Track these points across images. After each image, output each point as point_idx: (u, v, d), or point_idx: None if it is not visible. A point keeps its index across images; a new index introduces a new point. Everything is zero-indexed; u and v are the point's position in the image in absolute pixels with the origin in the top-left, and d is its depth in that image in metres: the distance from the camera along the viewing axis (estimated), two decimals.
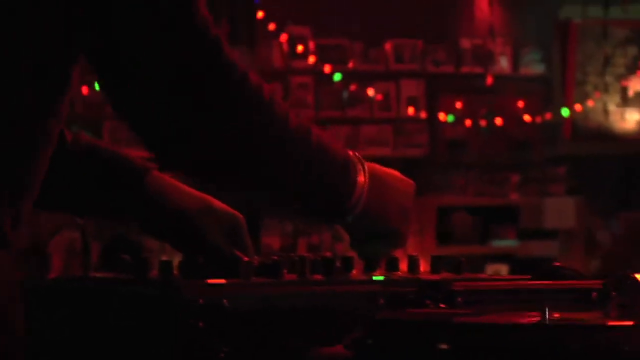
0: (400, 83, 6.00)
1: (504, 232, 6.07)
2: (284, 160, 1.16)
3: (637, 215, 5.80)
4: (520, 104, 6.11)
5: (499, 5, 6.17)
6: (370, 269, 1.28)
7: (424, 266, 1.31)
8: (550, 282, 1.25)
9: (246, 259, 1.20)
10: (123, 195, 1.30)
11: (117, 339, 1.15)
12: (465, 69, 6.10)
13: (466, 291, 1.14)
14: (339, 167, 1.19)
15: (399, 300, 1.14)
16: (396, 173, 1.28)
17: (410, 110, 5.98)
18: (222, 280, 1.12)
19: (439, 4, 5.97)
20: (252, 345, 1.10)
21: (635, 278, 1.13)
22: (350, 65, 5.87)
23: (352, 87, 5.85)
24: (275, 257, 1.19)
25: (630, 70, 6.24)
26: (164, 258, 1.21)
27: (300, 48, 5.75)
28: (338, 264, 1.23)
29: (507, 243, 6.06)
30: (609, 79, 6.23)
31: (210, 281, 1.12)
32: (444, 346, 0.95)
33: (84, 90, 5.15)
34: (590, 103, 6.20)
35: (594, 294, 1.18)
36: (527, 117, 6.12)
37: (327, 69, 5.78)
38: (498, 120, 6.07)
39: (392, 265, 1.28)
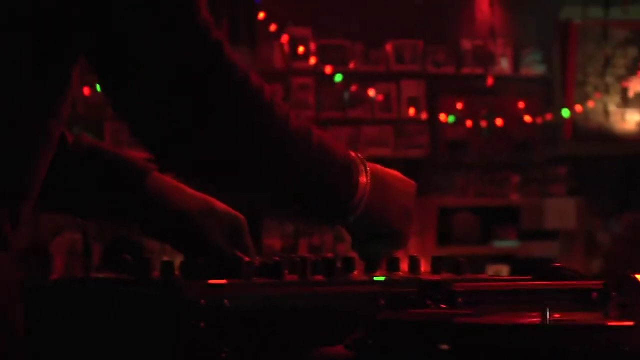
0: (401, 84, 6.00)
1: (504, 232, 6.07)
2: (285, 162, 1.16)
3: (638, 216, 5.80)
4: (521, 104, 6.11)
5: (500, 6, 6.17)
6: (371, 269, 1.28)
7: (424, 266, 1.31)
8: (551, 282, 1.25)
9: (247, 259, 1.20)
10: (124, 197, 1.30)
11: (119, 340, 1.16)
12: (465, 70, 6.10)
13: (467, 291, 1.14)
14: (340, 167, 1.19)
15: (400, 301, 1.15)
16: (398, 173, 1.28)
17: (411, 111, 5.99)
18: (224, 281, 1.12)
19: (439, 5, 5.97)
20: (254, 345, 1.10)
21: (635, 278, 1.13)
22: (351, 66, 5.87)
23: (353, 88, 5.85)
24: (277, 258, 1.19)
25: (631, 71, 6.24)
26: (165, 259, 1.21)
27: (301, 49, 5.75)
28: (339, 264, 1.23)
29: (507, 243, 6.06)
30: (609, 79, 6.23)
31: (211, 282, 1.12)
32: (444, 346, 0.95)
33: (86, 91, 5.15)
34: (590, 104, 6.20)
35: (594, 294, 1.18)
36: (527, 118, 6.12)
37: (328, 69, 5.78)
38: (498, 121, 6.07)
39: (393, 265, 1.29)
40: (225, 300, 1.08)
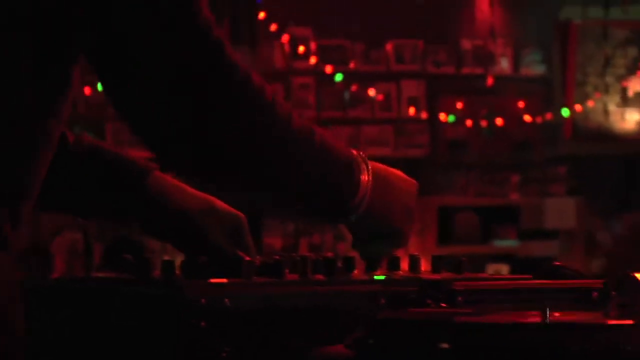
0: (401, 83, 6.00)
1: (504, 232, 6.07)
2: (287, 161, 1.15)
3: (639, 216, 5.80)
4: (521, 104, 6.12)
5: (500, 6, 6.17)
6: (371, 268, 1.28)
7: (425, 266, 1.31)
8: (551, 281, 1.25)
9: (248, 258, 1.20)
10: (125, 196, 1.30)
11: (120, 339, 1.16)
12: (465, 70, 6.10)
13: (467, 291, 1.14)
14: (342, 166, 1.19)
15: (400, 300, 1.15)
16: (399, 172, 1.27)
17: (411, 111, 5.99)
18: (224, 280, 1.13)
19: (439, 5, 5.98)
20: (254, 344, 1.10)
21: (636, 277, 1.13)
22: (352, 65, 5.87)
23: (353, 88, 5.85)
24: (277, 257, 1.19)
25: (630, 71, 6.24)
26: (166, 258, 1.21)
27: (301, 49, 5.75)
28: (339, 264, 1.23)
29: (507, 243, 6.06)
30: (609, 79, 6.23)
31: (212, 281, 1.12)
32: (445, 345, 0.95)
33: (87, 90, 5.15)
34: (590, 103, 6.20)
35: (595, 293, 1.19)
36: (527, 118, 6.12)
37: (328, 69, 5.78)
38: (499, 121, 6.07)
39: (393, 264, 1.29)
40: (226, 300, 1.08)
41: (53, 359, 1.23)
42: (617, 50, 6.22)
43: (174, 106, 1.10)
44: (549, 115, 6.13)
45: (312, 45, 5.81)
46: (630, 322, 0.98)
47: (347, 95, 5.89)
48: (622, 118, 6.28)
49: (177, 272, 1.21)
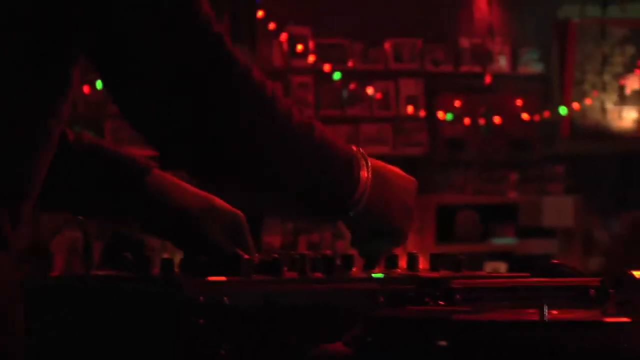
0: (400, 82, 6.00)
1: (502, 230, 6.08)
2: (287, 157, 1.15)
3: (638, 215, 5.80)
4: (519, 102, 6.12)
5: (498, 5, 6.17)
6: (370, 266, 1.28)
7: (423, 264, 1.31)
8: (549, 279, 1.26)
9: (247, 256, 1.20)
10: (124, 194, 1.30)
11: (119, 337, 1.16)
12: (464, 68, 6.10)
13: (465, 289, 1.15)
14: (342, 162, 1.19)
15: (399, 298, 1.15)
16: (399, 170, 1.27)
17: (410, 109, 5.99)
18: (223, 278, 1.13)
19: (438, 3, 5.98)
20: (253, 342, 1.11)
21: (633, 275, 1.14)
22: (350, 64, 5.87)
23: (352, 86, 5.85)
24: (276, 255, 1.20)
25: (628, 69, 6.24)
26: (165, 256, 1.21)
27: (300, 47, 5.75)
28: (338, 261, 1.23)
29: (505, 241, 6.06)
30: (607, 77, 6.24)
31: (211, 279, 1.12)
32: (443, 343, 0.96)
33: (86, 89, 5.15)
34: (588, 101, 6.20)
35: (592, 291, 1.19)
36: (525, 116, 6.12)
37: (326, 68, 5.78)
38: (497, 119, 6.07)
39: (392, 262, 1.29)
40: (225, 298, 1.09)
41: (53, 357, 1.23)
42: (615, 48, 6.23)
43: (174, 106, 1.10)
44: (546, 114, 6.13)
45: (311, 44, 5.80)
46: (627, 319, 0.98)
47: (345, 94, 5.89)
48: (620, 116, 6.28)
49: (177, 270, 1.21)
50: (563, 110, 6.14)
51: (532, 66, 6.22)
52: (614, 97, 6.26)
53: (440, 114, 6.03)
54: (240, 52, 1.13)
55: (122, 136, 4.88)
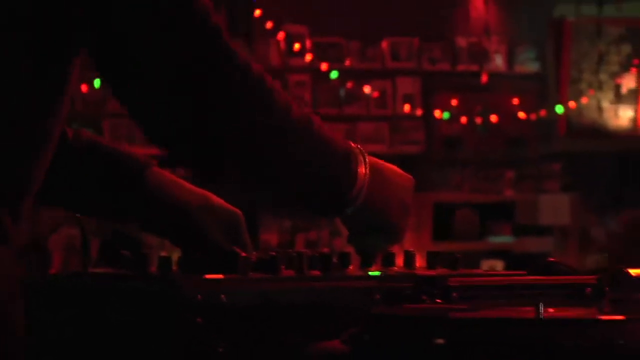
0: (397, 81, 6.00)
1: (499, 228, 6.08)
2: (286, 151, 1.14)
3: (636, 214, 5.81)
4: (515, 101, 6.12)
5: (494, 4, 6.18)
6: (366, 264, 1.28)
7: (420, 262, 1.31)
8: (545, 277, 1.26)
9: (244, 254, 1.20)
10: (123, 191, 1.31)
11: (116, 335, 1.16)
12: (460, 67, 6.10)
13: (462, 287, 1.15)
14: (340, 157, 1.19)
15: (396, 296, 1.15)
16: (396, 168, 1.27)
17: (406, 108, 5.99)
18: (220, 276, 1.13)
19: (435, 3, 5.98)
20: (250, 340, 1.11)
21: (629, 273, 1.14)
22: (347, 63, 5.87)
23: (349, 85, 5.85)
24: (273, 253, 1.20)
25: (624, 68, 6.25)
26: (163, 254, 1.21)
27: (297, 46, 5.75)
28: (335, 259, 1.23)
29: (502, 239, 6.07)
30: (602, 76, 6.24)
31: (208, 276, 1.12)
32: (439, 341, 0.96)
33: (84, 88, 5.14)
34: (584, 100, 6.21)
35: (588, 289, 1.19)
36: (522, 115, 6.13)
37: (324, 67, 5.78)
38: (493, 118, 6.08)
39: (389, 260, 1.29)
40: (222, 296, 1.09)
41: (50, 354, 1.23)
42: (611, 47, 6.23)
43: (174, 105, 1.10)
44: (543, 112, 6.14)
45: (308, 43, 5.80)
46: (623, 317, 0.98)
47: (342, 93, 5.89)
48: (616, 115, 6.29)
49: (174, 268, 1.21)
50: (559, 109, 6.15)
51: (529, 65, 6.22)
52: (610, 95, 6.27)
53: (437, 113, 6.03)
54: (239, 46, 1.13)
55: (120, 135, 4.88)
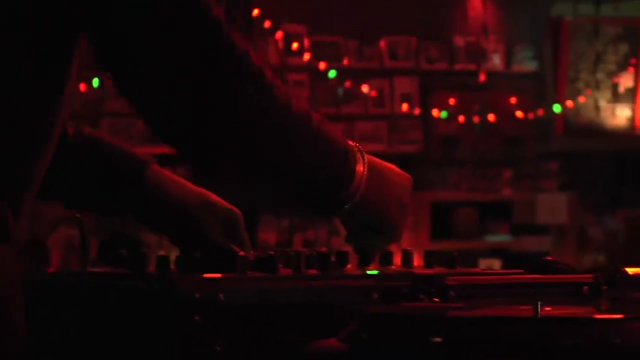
0: (394, 80, 6.00)
1: (497, 227, 6.08)
2: (285, 146, 1.14)
3: (634, 213, 5.81)
4: (513, 100, 6.12)
5: (492, 4, 6.18)
6: (364, 263, 1.28)
7: (417, 261, 1.32)
8: (543, 276, 1.26)
9: (242, 253, 1.20)
10: (122, 188, 1.31)
11: (114, 334, 1.16)
12: (458, 66, 6.10)
13: (459, 285, 1.15)
14: (338, 154, 1.18)
15: (393, 295, 1.15)
16: (394, 167, 1.27)
17: (404, 107, 5.99)
18: (218, 275, 1.13)
19: (433, 2, 5.98)
20: (248, 339, 1.11)
21: (626, 272, 1.14)
22: (345, 62, 5.87)
23: (347, 84, 5.85)
24: (271, 252, 1.20)
25: (621, 67, 6.25)
26: (161, 253, 1.22)
27: (295, 45, 5.75)
28: (333, 258, 1.23)
29: (500, 238, 6.07)
30: (600, 75, 6.25)
31: (206, 275, 1.13)
32: (437, 339, 0.96)
33: (82, 87, 5.14)
34: (581, 99, 6.21)
35: (586, 288, 1.19)
36: (519, 114, 6.13)
37: (322, 66, 5.78)
38: (491, 117, 6.08)
39: (386, 259, 1.29)
40: (220, 294, 1.09)
41: (48, 352, 1.23)
42: (608, 46, 6.24)
43: (175, 104, 1.10)
44: (540, 111, 6.14)
45: (306, 42, 5.81)
46: (620, 316, 0.99)
47: (340, 92, 5.89)
48: (613, 114, 6.29)
49: (172, 267, 1.22)
50: (557, 108, 6.15)
51: (526, 64, 6.23)
52: (608, 95, 6.27)
53: (434, 112, 6.04)
54: (239, 36, 1.12)
55: (119, 134, 4.88)
